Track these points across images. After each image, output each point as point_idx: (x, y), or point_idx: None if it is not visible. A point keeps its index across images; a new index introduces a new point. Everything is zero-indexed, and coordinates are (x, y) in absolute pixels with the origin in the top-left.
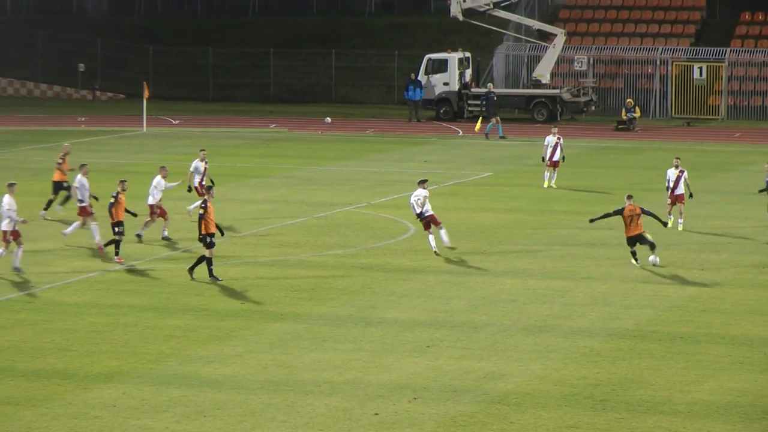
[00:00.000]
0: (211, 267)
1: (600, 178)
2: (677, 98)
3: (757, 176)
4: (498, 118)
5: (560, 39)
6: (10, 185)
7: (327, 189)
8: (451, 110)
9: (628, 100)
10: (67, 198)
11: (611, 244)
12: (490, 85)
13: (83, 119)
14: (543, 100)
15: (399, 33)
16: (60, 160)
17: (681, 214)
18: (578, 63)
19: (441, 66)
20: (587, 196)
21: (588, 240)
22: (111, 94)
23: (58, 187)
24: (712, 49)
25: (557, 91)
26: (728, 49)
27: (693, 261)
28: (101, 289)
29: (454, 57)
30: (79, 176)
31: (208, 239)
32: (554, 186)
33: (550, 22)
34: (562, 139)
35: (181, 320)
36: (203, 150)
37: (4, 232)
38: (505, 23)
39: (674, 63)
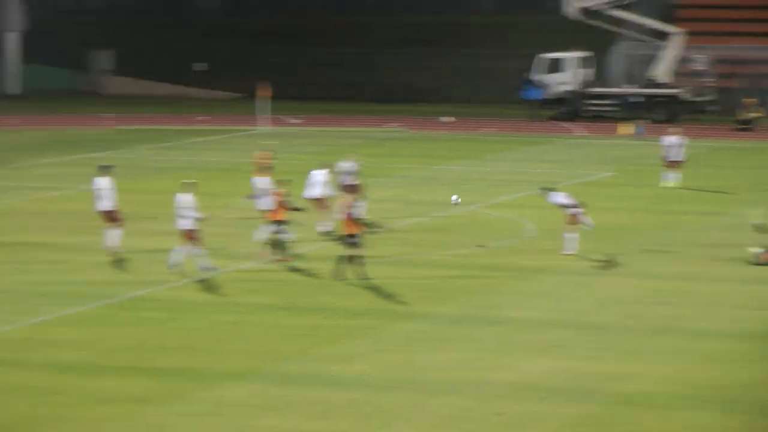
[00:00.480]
0: (357, 266)
1: (721, 178)
2: None
3: None
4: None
5: (678, 38)
6: (188, 184)
7: (445, 188)
8: (568, 110)
9: (749, 99)
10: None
11: (736, 244)
12: (627, 86)
13: (201, 118)
14: (662, 99)
15: (517, 32)
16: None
17: None
18: (698, 62)
19: (558, 66)
20: (709, 196)
21: (713, 240)
22: (229, 93)
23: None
24: None
25: (677, 90)
26: None
27: None
28: (227, 287)
29: (571, 56)
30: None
31: (353, 239)
32: (674, 186)
33: (669, 22)
34: (684, 139)
35: (308, 319)
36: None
37: (184, 231)
38: (622, 23)
39: None
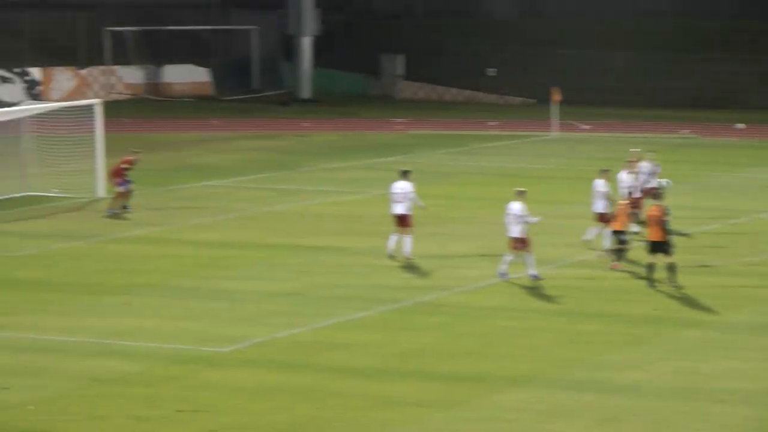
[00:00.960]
0: (672, 274)
1: None
2: None
3: None
4: None
5: None
6: (520, 192)
7: (738, 195)
8: None
9: None
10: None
11: None
12: None
13: (494, 123)
14: None
15: None
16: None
17: None
18: None
19: None
20: None
21: None
22: (522, 98)
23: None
24: None
25: None
26: None
27: None
28: (511, 293)
29: None
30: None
31: (664, 246)
32: None
33: None
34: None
35: (593, 325)
36: (652, 152)
37: (515, 239)
38: None
39: None
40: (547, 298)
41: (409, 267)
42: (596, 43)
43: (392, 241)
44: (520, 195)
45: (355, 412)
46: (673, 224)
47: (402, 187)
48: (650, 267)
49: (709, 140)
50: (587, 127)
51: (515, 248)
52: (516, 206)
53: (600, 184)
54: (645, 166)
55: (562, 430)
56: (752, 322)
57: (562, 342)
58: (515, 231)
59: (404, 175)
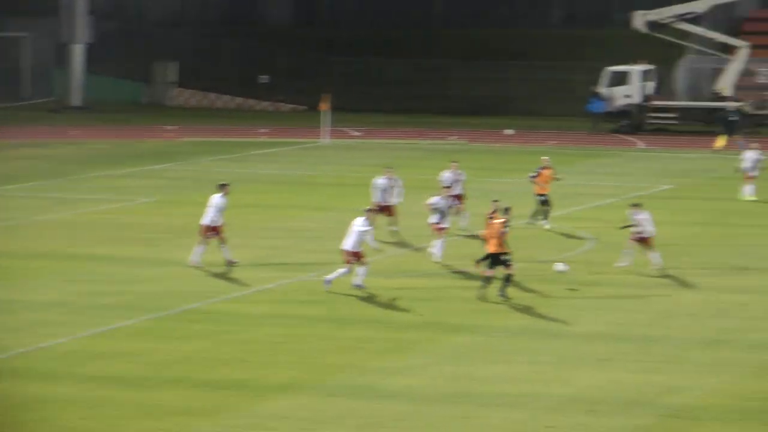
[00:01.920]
0: (506, 285)
1: None
2: None
3: None
4: (735, 135)
5: (743, 52)
6: (367, 210)
7: (507, 201)
8: (632, 123)
9: None
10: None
11: None
12: (734, 103)
13: (264, 131)
14: (725, 112)
15: (581, 45)
16: (534, 173)
17: None
18: (762, 76)
19: (623, 79)
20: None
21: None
22: (293, 105)
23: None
24: None
25: (740, 104)
26: None
27: None
28: (279, 300)
29: (636, 69)
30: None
31: (503, 257)
32: (750, 199)
33: (734, 35)
34: (761, 154)
35: (359, 332)
36: (455, 162)
37: (347, 251)
38: (688, 36)
39: None
40: (313, 305)
41: (177, 275)
42: (369, 51)
43: (196, 251)
44: (365, 213)
45: (121, 421)
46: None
47: (216, 200)
48: (487, 280)
49: (477, 146)
50: (358, 133)
51: (348, 261)
52: (359, 221)
53: (380, 183)
54: (447, 176)
55: None
56: (517, 326)
57: (327, 349)
58: (349, 244)
59: (221, 188)
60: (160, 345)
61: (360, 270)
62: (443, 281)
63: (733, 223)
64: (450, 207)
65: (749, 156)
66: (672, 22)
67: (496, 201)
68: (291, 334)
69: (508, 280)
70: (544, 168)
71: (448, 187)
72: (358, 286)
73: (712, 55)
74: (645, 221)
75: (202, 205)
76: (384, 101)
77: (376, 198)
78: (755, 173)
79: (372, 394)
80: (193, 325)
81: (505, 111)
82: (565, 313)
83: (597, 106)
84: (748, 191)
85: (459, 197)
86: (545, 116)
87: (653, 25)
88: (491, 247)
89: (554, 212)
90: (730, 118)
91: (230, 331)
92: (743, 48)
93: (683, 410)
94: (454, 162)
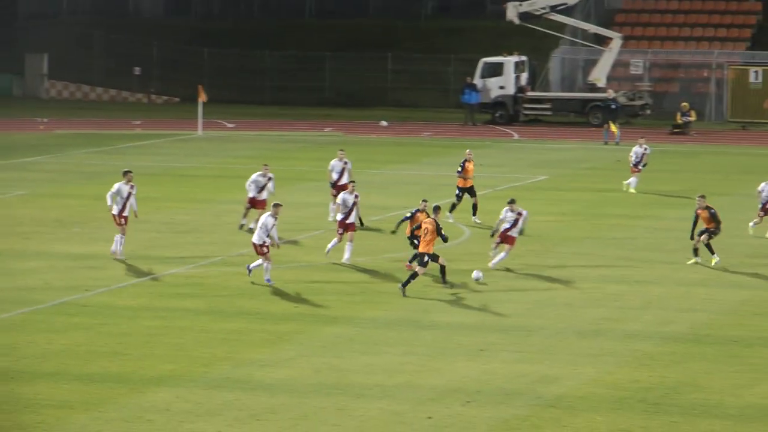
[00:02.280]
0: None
1: (656, 182)
2: (733, 102)
3: None
4: (613, 123)
5: (616, 43)
6: (275, 206)
7: (382, 192)
8: (506, 114)
9: (684, 103)
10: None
11: (667, 248)
12: (610, 91)
13: (138, 122)
14: (598, 103)
15: (455, 36)
16: (459, 168)
17: None
18: (634, 67)
19: (497, 70)
20: (643, 199)
21: (643, 244)
22: (166, 97)
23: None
24: None
25: (613, 94)
26: None
27: (747, 265)
28: (156, 292)
29: (510, 61)
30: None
31: (425, 258)
32: (635, 191)
33: (607, 26)
34: (649, 149)
35: (235, 324)
36: (342, 150)
37: (254, 244)
38: (561, 27)
39: (730, 67)
40: (191, 298)
41: (51, 267)
42: (243, 42)
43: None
44: (275, 208)
45: None
46: (310, 223)
47: (120, 187)
48: (414, 276)
49: (353, 137)
50: (232, 125)
51: (259, 253)
52: (265, 217)
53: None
54: (336, 164)
55: (203, 429)
56: (388, 317)
57: (204, 341)
58: (256, 237)
59: (125, 175)
60: (36, 338)
61: (266, 265)
62: (319, 274)
63: (607, 213)
64: (355, 203)
65: (636, 150)
66: (545, 13)
67: (425, 201)
68: (169, 326)
69: (443, 270)
70: (467, 161)
71: (339, 182)
72: (268, 281)
73: (586, 46)
74: (509, 219)
75: (77, 197)
76: (258, 93)
77: (250, 192)
78: (640, 167)
79: (248, 386)
80: (70, 318)
81: (379, 102)
82: (440, 304)
83: (471, 98)
84: (632, 183)
85: (346, 186)
86: (420, 108)
87: (526, 16)
88: (422, 247)
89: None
90: (613, 107)
91: (108, 324)
92: (616, 39)
93: (559, 400)
94: (341, 150)
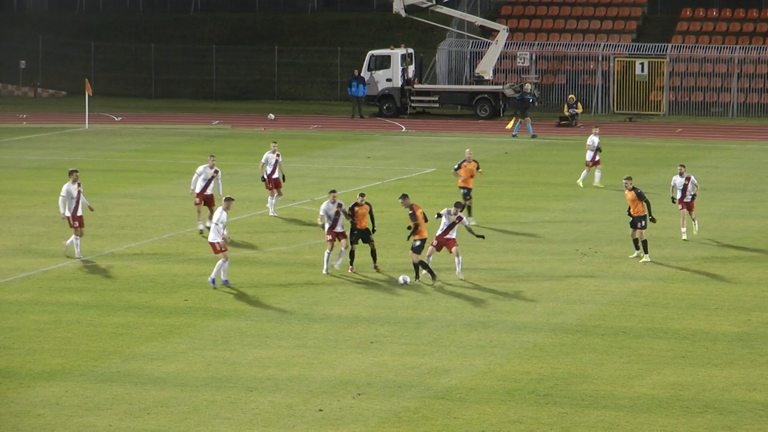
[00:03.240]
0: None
1: (543, 173)
2: (619, 94)
3: (699, 171)
4: (528, 117)
5: (502, 35)
6: (227, 200)
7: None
8: (394, 106)
9: (570, 96)
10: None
11: (555, 240)
12: (528, 85)
13: (25, 116)
14: (486, 96)
15: (341, 29)
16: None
17: (693, 219)
18: (521, 59)
19: (384, 62)
20: (530, 191)
21: (531, 235)
22: (53, 90)
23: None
24: (654, 45)
25: (500, 87)
26: (669, 45)
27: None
28: (43, 287)
29: (397, 53)
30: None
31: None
32: (601, 186)
33: (493, 19)
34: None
35: (125, 317)
36: (275, 142)
37: (212, 243)
38: (447, 20)
39: (616, 59)
40: (79, 292)
41: None
42: (130, 35)
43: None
44: (227, 202)
45: None
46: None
47: (68, 189)
48: (352, 255)
49: (241, 130)
50: (119, 119)
51: (217, 252)
52: (220, 212)
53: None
54: (269, 156)
55: (93, 423)
56: (279, 310)
57: (93, 335)
58: (211, 236)
59: (71, 175)
60: None
61: (224, 264)
62: (208, 267)
63: (495, 205)
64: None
65: (592, 141)
66: (431, 6)
67: (362, 195)
68: (57, 320)
69: (373, 253)
70: (465, 161)
71: (273, 175)
72: (225, 282)
73: (472, 38)
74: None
75: None
76: (145, 86)
77: (198, 188)
78: (598, 158)
79: (139, 380)
80: None
81: (267, 95)
82: (330, 297)
83: (359, 90)
84: (596, 177)
85: (278, 181)
86: (307, 100)
87: (412, 8)
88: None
89: (315, 196)
90: (527, 97)
91: None
92: (502, 31)
93: (449, 392)
94: (274, 142)
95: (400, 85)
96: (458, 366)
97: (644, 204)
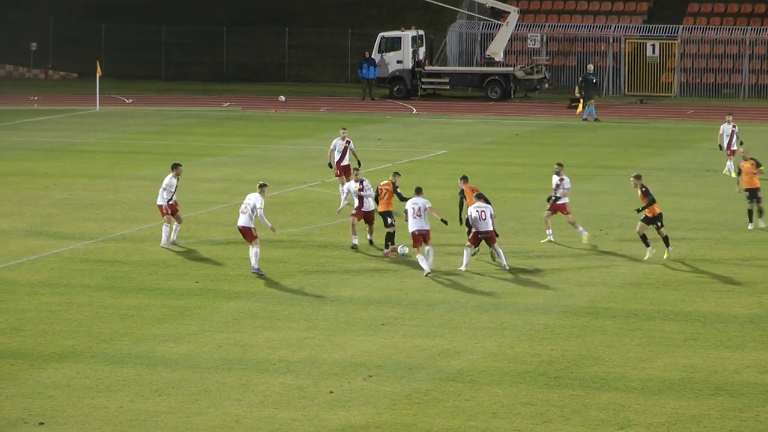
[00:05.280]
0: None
1: (554, 155)
2: (630, 76)
3: (710, 154)
4: (592, 100)
5: (513, 17)
6: (262, 186)
7: (280, 167)
8: (404, 88)
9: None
10: None
11: (565, 222)
12: (590, 66)
13: (36, 98)
14: (496, 78)
15: (352, 11)
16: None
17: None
18: (531, 41)
19: (394, 44)
20: (541, 172)
21: (542, 218)
22: (64, 72)
23: None
24: (665, 26)
25: (510, 69)
26: (681, 27)
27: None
28: (55, 268)
29: (407, 35)
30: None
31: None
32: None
33: (504, 0)
34: (737, 127)
35: (136, 299)
36: (344, 128)
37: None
38: (458, 1)
39: (627, 40)
40: (90, 274)
41: None
42: (141, 17)
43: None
44: (262, 188)
45: None
46: (214, 197)
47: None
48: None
49: (251, 112)
50: (130, 100)
51: (250, 239)
52: (251, 197)
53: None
54: (338, 142)
55: (104, 405)
56: (290, 291)
57: (104, 316)
58: (242, 220)
59: (174, 168)
60: None
61: (255, 250)
62: (219, 249)
63: (506, 187)
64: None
65: (724, 129)
66: None
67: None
68: (68, 302)
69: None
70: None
71: (342, 162)
72: (256, 271)
73: (483, 20)
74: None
75: None
76: (156, 68)
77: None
78: (734, 148)
79: (150, 362)
80: None
81: (277, 77)
82: (342, 279)
83: (369, 72)
84: (728, 166)
85: (347, 168)
86: (317, 82)
87: None
88: (381, 207)
89: (326, 178)
90: (589, 78)
91: (5, 300)
92: (513, 13)
93: (460, 374)
94: (343, 129)
95: (410, 67)
96: (469, 348)
97: (649, 200)
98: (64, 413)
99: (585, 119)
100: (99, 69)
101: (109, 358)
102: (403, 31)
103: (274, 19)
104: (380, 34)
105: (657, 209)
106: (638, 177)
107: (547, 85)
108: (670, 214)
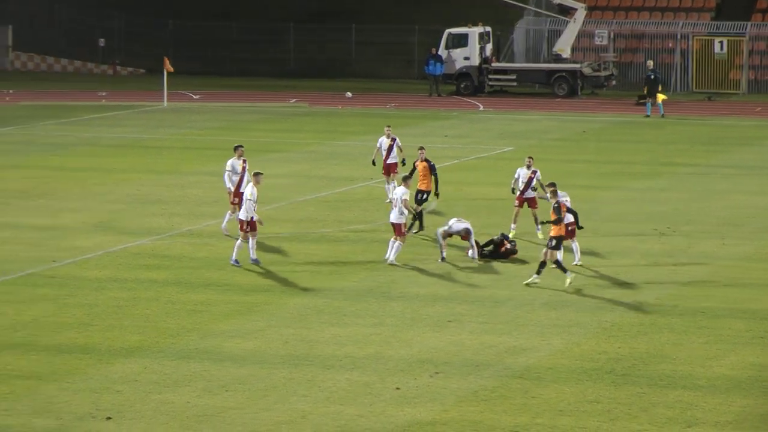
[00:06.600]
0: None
1: (621, 152)
2: (698, 72)
3: None
4: (653, 97)
5: (581, 13)
6: (256, 174)
7: (348, 163)
8: (471, 85)
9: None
10: None
11: (633, 219)
12: (649, 62)
13: (104, 94)
14: (563, 74)
15: (419, 7)
16: None
17: (536, 219)
18: (599, 37)
19: (461, 40)
20: (608, 169)
21: (609, 215)
22: (131, 68)
23: None
24: (733, 23)
25: (578, 65)
26: (749, 23)
27: (714, 235)
28: (122, 264)
29: (474, 31)
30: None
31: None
32: None
33: None
34: None
35: (203, 295)
36: (389, 126)
37: (241, 221)
38: None
39: (695, 37)
40: (158, 269)
41: (18, 239)
42: (208, 13)
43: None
44: (255, 177)
45: None
46: (280, 193)
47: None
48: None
49: (318, 109)
50: (197, 96)
51: (249, 230)
52: (250, 190)
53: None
54: (383, 141)
55: (171, 400)
56: (357, 288)
57: (171, 312)
58: (241, 214)
59: (236, 150)
60: (4, 309)
61: (252, 242)
62: (286, 244)
63: (573, 184)
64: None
65: None
66: None
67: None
68: (135, 297)
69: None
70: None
71: (388, 161)
72: (254, 261)
73: (550, 16)
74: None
75: (41, 168)
76: (222, 64)
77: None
78: None
79: (217, 357)
80: (37, 289)
81: (343, 74)
82: (408, 276)
83: (436, 69)
84: None
85: (393, 166)
86: (384, 79)
87: None
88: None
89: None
90: (652, 77)
91: (75, 295)
92: (580, 9)
93: (527, 371)
94: (388, 126)
95: (477, 64)
96: (536, 345)
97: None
98: (131, 408)
99: (648, 115)
100: (169, 65)
101: (177, 354)
102: (470, 27)
103: (339, 16)
104: (447, 31)
105: (563, 231)
106: (554, 192)
107: (614, 82)
108: (739, 212)
